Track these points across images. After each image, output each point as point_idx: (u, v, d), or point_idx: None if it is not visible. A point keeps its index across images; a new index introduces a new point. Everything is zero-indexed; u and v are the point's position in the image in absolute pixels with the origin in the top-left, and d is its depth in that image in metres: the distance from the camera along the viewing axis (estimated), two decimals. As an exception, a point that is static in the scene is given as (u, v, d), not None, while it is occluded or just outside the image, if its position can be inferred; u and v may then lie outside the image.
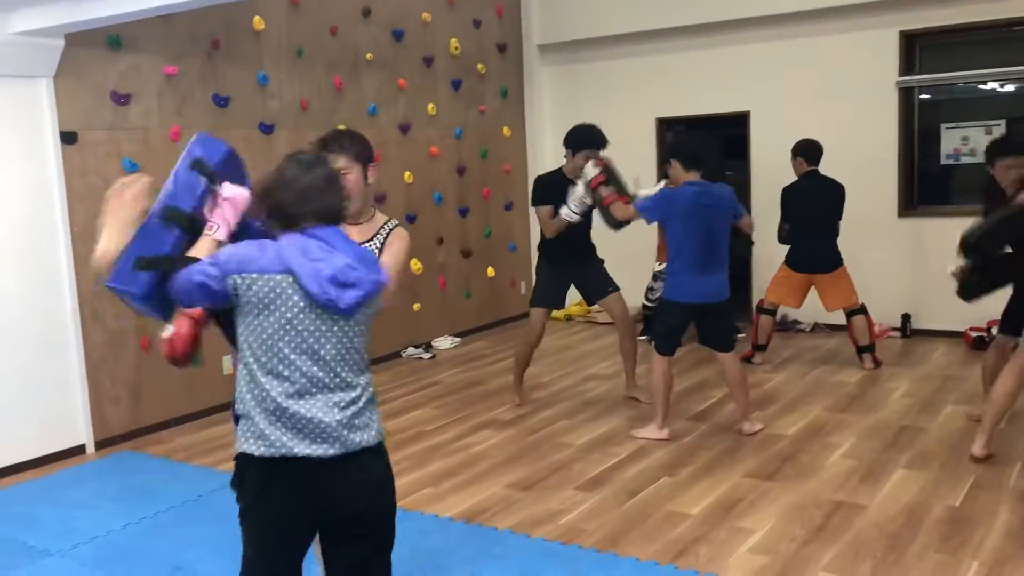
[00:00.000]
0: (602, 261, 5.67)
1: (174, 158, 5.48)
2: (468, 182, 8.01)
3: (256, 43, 6.10)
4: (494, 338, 7.84)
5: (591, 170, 5.14)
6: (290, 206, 2.24)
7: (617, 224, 5.14)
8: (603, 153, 5.30)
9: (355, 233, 2.91)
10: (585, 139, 5.37)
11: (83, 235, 5.10)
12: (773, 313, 6.63)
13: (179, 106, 5.62)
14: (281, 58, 6.26)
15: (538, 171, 8.75)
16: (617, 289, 5.61)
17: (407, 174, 7.33)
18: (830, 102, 7.23)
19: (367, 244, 3.01)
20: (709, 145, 4.97)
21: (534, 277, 8.81)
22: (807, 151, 6.31)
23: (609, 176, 5.10)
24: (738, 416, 4.98)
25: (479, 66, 8.09)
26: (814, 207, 6.26)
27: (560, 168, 5.53)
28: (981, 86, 7.16)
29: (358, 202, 2.91)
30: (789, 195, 6.38)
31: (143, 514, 4.18)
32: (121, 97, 5.29)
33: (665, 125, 8.25)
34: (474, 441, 5.09)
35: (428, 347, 7.47)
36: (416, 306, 7.47)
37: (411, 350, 7.33)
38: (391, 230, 3.02)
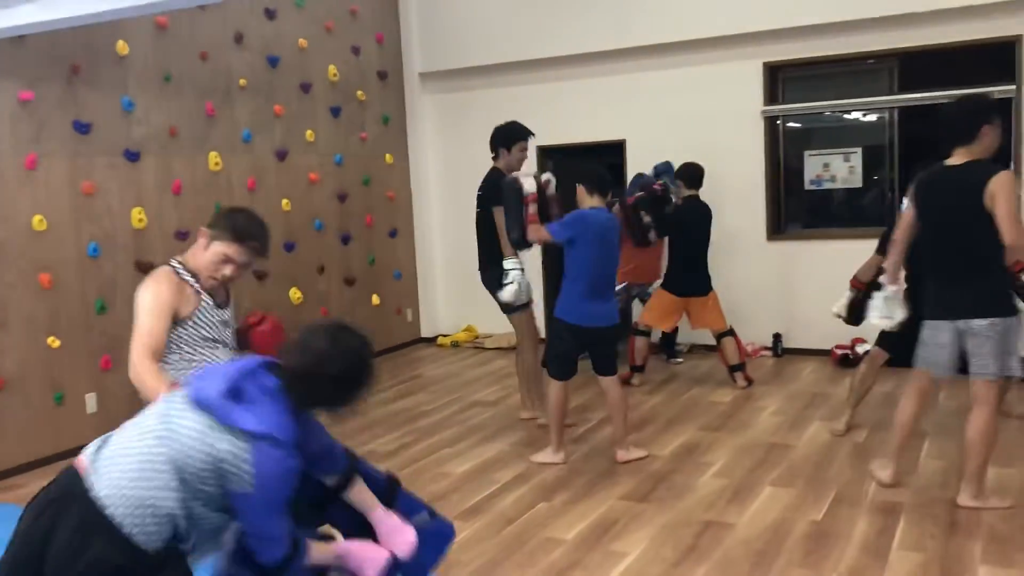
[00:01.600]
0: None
1: (29, 187, 5.29)
2: (350, 209, 7.92)
3: (120, 67, 5.88)
4: (381, 367, 7.71)
5: (528, 182, 5.14)
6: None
7: (524, 244, 5.17)
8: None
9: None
10: (516, 133, 5.63)
11: (-74, 269, 4.80)
12: (648, 335, 6.78)
13: (36, 133, 5.36)
14: (148, 83, 6.06)
15: (423, 198, 8.80)
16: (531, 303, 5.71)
17: (284, 201, 7.19)
18: (701, 129, 7.47)
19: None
20: (606, 172, 5.06)
21: (420, 304, 8.83)
22: (686, 175, 6.50)
23: (540, 198, 5.13)
24: (616, 440, 5.04)
25: (359, 93, 8.04)
26: (692, 232, 6.45)
27: (494, 168, 5.64)
28: (843, 115, 7.55)
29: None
30: (672, 217, 6.56)
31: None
32: (-31, 123, 5.01)
33: (546, 153, 8.36)
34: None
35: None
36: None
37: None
38: None
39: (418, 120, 8.75)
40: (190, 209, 6.35)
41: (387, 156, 8.43)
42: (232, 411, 2.16)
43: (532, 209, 5.07)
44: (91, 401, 5.66)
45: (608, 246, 4.82)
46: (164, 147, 6.17)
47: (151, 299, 2.94)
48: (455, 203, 8.67)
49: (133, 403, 5.65)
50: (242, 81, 6.78)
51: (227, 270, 3.08)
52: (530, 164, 8.31)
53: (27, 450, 5.29)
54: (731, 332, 6.55)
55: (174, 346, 3.00)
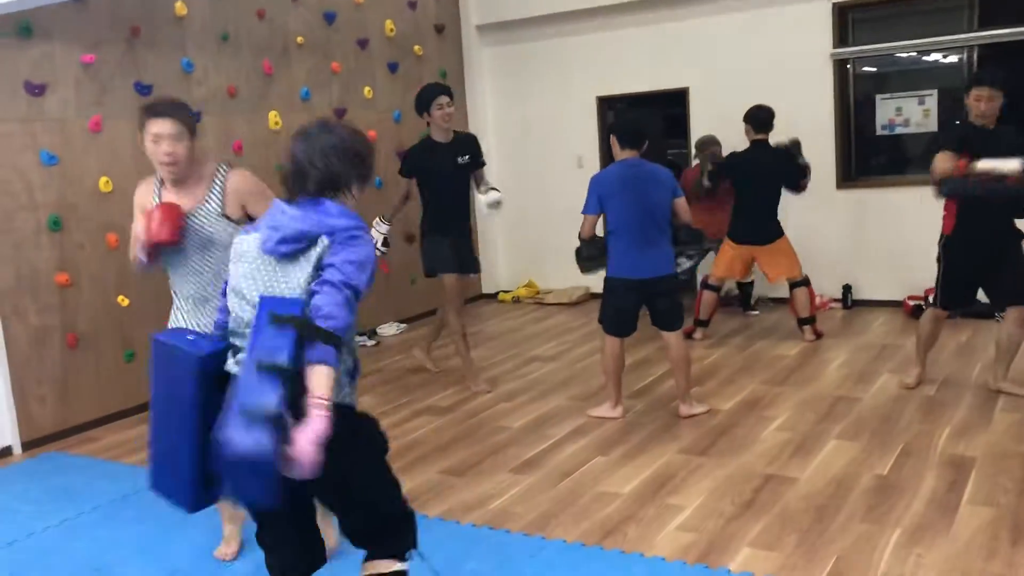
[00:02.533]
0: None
1: (94, 149, 5.40)
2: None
3: (179, 28, 5.94)
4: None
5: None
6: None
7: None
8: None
9: (182, 198, 3.07)
10: (428, 93, 5.46)
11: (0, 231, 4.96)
12: (718, 290, 6.63)
13: (98, 95, 5.46)
14: (206, 43, 6.11)
15: (485, 152, 8.70)
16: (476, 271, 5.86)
17: (344, 159, 7.20)
18: (767, 76, 7.22)
19: (202, 205, 3.06)
20: (646, 124, 4.93)
21: (481, 260, 8.82)
22: (753, 118, 6.25)
23: None
24: (678, 396, 4.97)
25: (416, 48, 7.98)
26: (758, 178, 6.22)
27: (428, 136, 5.62)
28: (919, 57, 7.20)
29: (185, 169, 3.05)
30: (734, 162, 6.35)
31: (65, 515, 4.08)
32: (35, 87, 5.12)
33: (606, 104, 8.21)
34: (411, 428, 5.03)
35: (372, 334, 7.39)
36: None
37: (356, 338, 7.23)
38: (226, 176, 3.12)
39: (476, 74, 8.66)
40: (250, 169, 6.38)
41: (446, 110, 8.36)
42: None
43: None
44: (160, 357, 5.81)
45: (641, 195, 4.64)
46: (223, 107, 6.24)
47: None
48: (514, 157, 8.60)
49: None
50: (299, 39, 6.79)
51: (161, 149, 3.05)
52: (590, 114, 8.20)
53: (101, 405, 5.47)
54: (805, 281, 6.36)
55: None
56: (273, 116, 6.57)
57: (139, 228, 3.06)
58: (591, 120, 8.21)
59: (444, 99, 5.41)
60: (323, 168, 2.30)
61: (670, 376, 5.61)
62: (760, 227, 6.29)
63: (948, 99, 6.87)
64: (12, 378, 5.03)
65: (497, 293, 8.81)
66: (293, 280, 2.25)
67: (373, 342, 7.22)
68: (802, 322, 6.38)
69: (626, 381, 5.57)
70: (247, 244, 2.37)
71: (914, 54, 7.15)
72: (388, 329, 7.54)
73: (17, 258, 5.06)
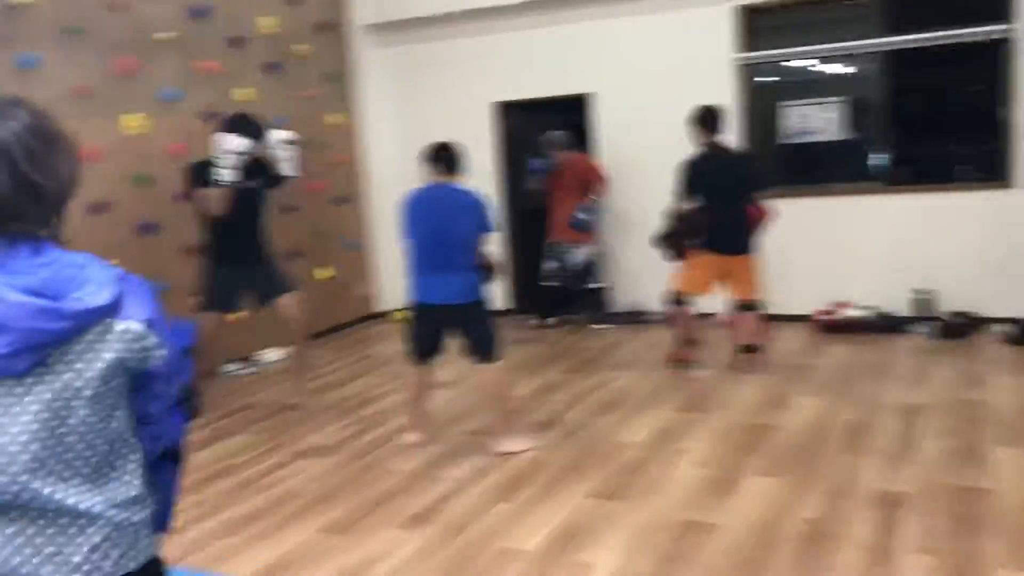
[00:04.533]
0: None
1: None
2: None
3: (15, 19, 5.19)
4: (331, 346, 7.16)
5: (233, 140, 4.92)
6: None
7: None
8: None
9: None
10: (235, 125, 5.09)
11: None
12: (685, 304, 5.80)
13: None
14: (52, 37, 5.37)
15: (375, 160, 8.18)
16: (290, 290, 5.40)
17: (218, 168, 6.53)
18: (671, 80, 6.91)
19: None
20: (448, 147, 4.59)
21: (372, 277, 8.26)
22: (699, 119, 5.59)
23: None
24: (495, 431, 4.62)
25: (297, 47, 7.36)
26: (722, 182, 5.53)
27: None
28: (822, 67, 7.01)
29: None
30: (697, 170, 5.55)
31: None
32: None
33: (504, 109, 7.76)
34: (289, 473, 4.43)
35: (250, 361, 6.72)
36: (234, 316, 6.69)
37: (230, 366, 6.56)
38: None
39: (366, 76, 8.09)
40: (107, 178, 5.70)
41: (331, 116, 7.78)
42: None
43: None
44: None
45: (431, 219, 4.38)
46: (73, 109, 5.49)
47: None
48: (406, 167, 8.05)
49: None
50: (162, 35, 6.10)
51: None
52: (485, 121, 7.74)
53: None
54: (758, 306, 5.66)
55: None
56: (133, 120, 5.86)
57: None
58: (486, 126, 7.75)
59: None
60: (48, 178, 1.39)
61: (579, 403, 5.21)
62: (731, 236, 5.57)
63: (857, 108, 6.70)
64: None
65: (390, 312, 8.25)
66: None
67: (251, 371, 6.55)
68: (744, 349, 5.78)
69: (531, 409, 5.14)
70: None
71: (820, 62, 6.96)
72: (270, 355, 6.87)
73: None
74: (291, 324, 5.44)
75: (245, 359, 6.67)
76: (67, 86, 5.46)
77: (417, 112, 7.97)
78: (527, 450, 4.49)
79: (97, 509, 1.39)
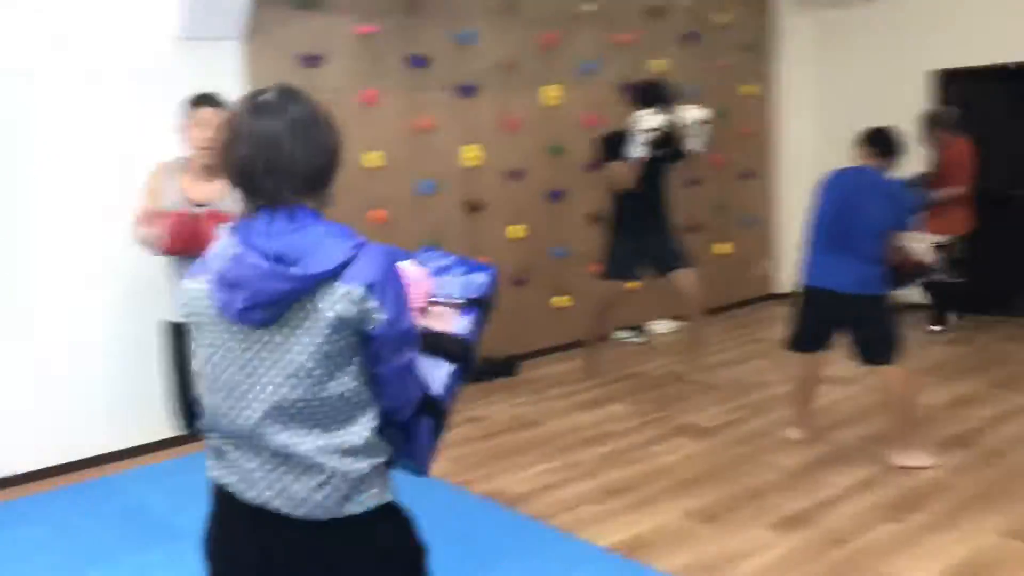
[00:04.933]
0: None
1: (366, 122, 5.30)
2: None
3: (459, -1, 5.69)
4: (722, 324, 6.97)
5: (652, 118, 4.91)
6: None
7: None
8: None
9: (210, 183, 3.29)
10: (653, 95, 5.13)
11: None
12: None
13: (373, 68, 5.35)
14: (486, 14, 5.81)
15: (788, 134, 7.76)
16: (686, 266, 5.33)
17: (628, 139, 6.63)
18: None
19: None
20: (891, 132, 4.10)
21: (777, 255, 7.90)
22: None
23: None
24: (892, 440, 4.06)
25: (717, 16, 7.17)
26: None
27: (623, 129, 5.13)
28: None
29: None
30: None
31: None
32: (311, 59, 5.09)
33: (946, 78, 6.85)
34: (664, 450, 4.38)
35: (641, 331, 6.78)
36: (632, 284, 6.79)
37: (622, 333, 6.69)
38: None
39: (786, 45, 7.65)
40: (524, 147, 6.07)
41: (744, 87, 7.50)
42: None
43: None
44: (418, 339, 5.66)
45: (843, 200, 4.03)
46: (501, 82, 5.92)
47: None
48: (828, 139, 7.50)
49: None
50: (585, 7, 6.30)
51: (206, 135, 3.27)
52: (918, 93, 6.92)
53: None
54: None
55: None
56: (551, 91, 6.15)
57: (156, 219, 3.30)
58: (919, 99, 6.91)
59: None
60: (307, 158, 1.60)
61: (1004, 423, 4.49)
62: None
63: None
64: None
65: (787, 295, 7.79)
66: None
67: (641, 340, 6.62)
68: None
69: (940, 422, 4.53)
70: (198, 300, 1.64)
71: None
72: (659, 326, 6.89)
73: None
74: (686, 299, 5.41)
75: (636, 328, 6.75)
76: (496, 60, 5.87)
77: (839, 83, 7.37)
78: (928, 467, 3.96)
79: (321, 457, 1.57)
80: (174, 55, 4.56)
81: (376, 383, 1.62)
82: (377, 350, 1.58)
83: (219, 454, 1.67)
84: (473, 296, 1.98)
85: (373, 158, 5.34)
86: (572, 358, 6.18)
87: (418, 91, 5.53)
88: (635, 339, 6.63)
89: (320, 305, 1.53)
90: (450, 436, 4.48)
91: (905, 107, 6.90)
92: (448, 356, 1.84)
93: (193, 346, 1.68)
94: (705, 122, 5.17)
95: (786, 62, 7.68)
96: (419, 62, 5.50)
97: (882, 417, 4.42)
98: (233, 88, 4.79)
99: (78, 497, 4.08)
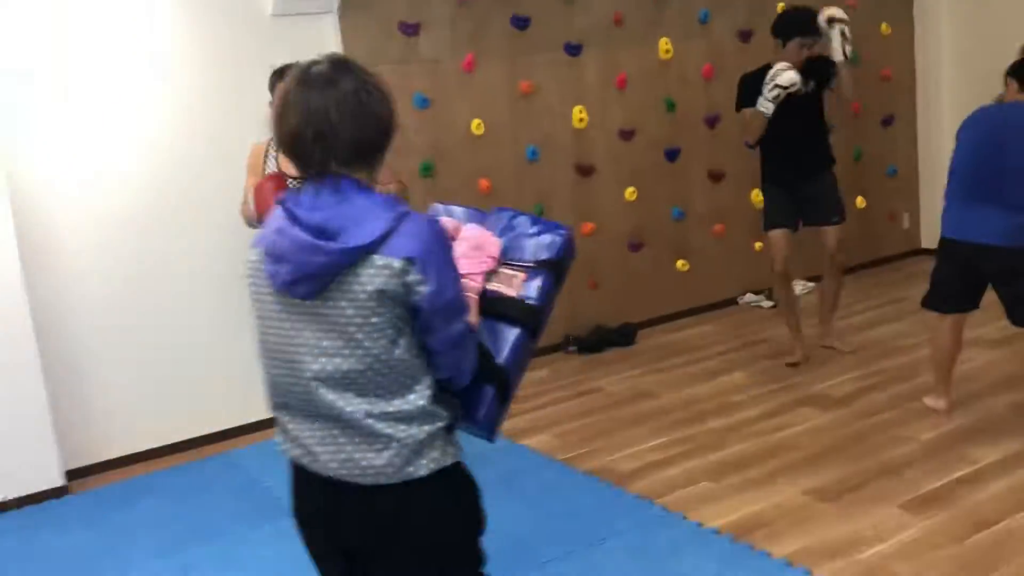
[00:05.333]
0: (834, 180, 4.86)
1: (467, 90, 5.18)
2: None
3: (565, -48, 5.45)
4: (860, 283, 6.46)
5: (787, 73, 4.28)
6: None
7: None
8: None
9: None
10: (795, 24, 4.57)
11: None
12: None
13: (473, 33, 5.19)
14: (591, -32, 5.55)
15: (929, 77, 7.10)
16: (842, 220, 4.82)
17: (748, 90, 6.22)
18: None
19: None
20: None
21: (921, 208, 7.29)
22: None
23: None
24: None
25: (847, -49, 6.60)
26: None
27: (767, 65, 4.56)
28: None
29: None
30: None
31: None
32: (410, 27, 4.99)
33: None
34: (786, 422, 4.08)
35: (771, 294, 6.38)
36: (759, 244, 6.41)
37: (750, 296, 6.33)
38: None
39: (928, -19, 6.97)
40: (635, 105, 5.78)
41: (883, 26, 6.88)
42: None
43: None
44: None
45: (991, 142, 3.54)
46: (607, 38, 5.64)
47: None
48: (974, 83, 6.80)
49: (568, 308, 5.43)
50: (698, -48, 5.92)
51: None
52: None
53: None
54: None
55: None
56: (664, 44, 5.82)
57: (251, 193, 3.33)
58: None
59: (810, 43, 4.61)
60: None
61: None
62: None
63: None
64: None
65: (934, 250, 7.17)
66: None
67: (770, 304, 6.23)
68: None
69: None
70: (255, 271, 1.69)
71: None
72: (794, 287, 6.45)
73: (390, 204, 5.03)
74: (831, 257, 4.89)
75: (767, 291, 6.36)
76: (602, 15, 5.60)
77: (987, 21, 6.64)
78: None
79: (379, 425, 1.59)
80: (270, 33, 4.55)
81: (429, 353, 1.62)
82: (426, 322, 1.58)
83: (284, 427, 1.70)
84: (544, 258, 1.93)
85: (475, 125, 5.20)
86: (693, 324, 5.91)
87: (520, 54, 5.34)
88: (764, 303, 6.25)
89: (362, 278, 1.53)
90: (559, 410, 4.43)
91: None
92: (514, 322, 1.85)
93: (254, 317, 1.70)
94: (840, 20, 4.63)
95: (925, 7, 7.00)
96: (521, 23, 5.31)
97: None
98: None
99: (198, 472, 4.20)
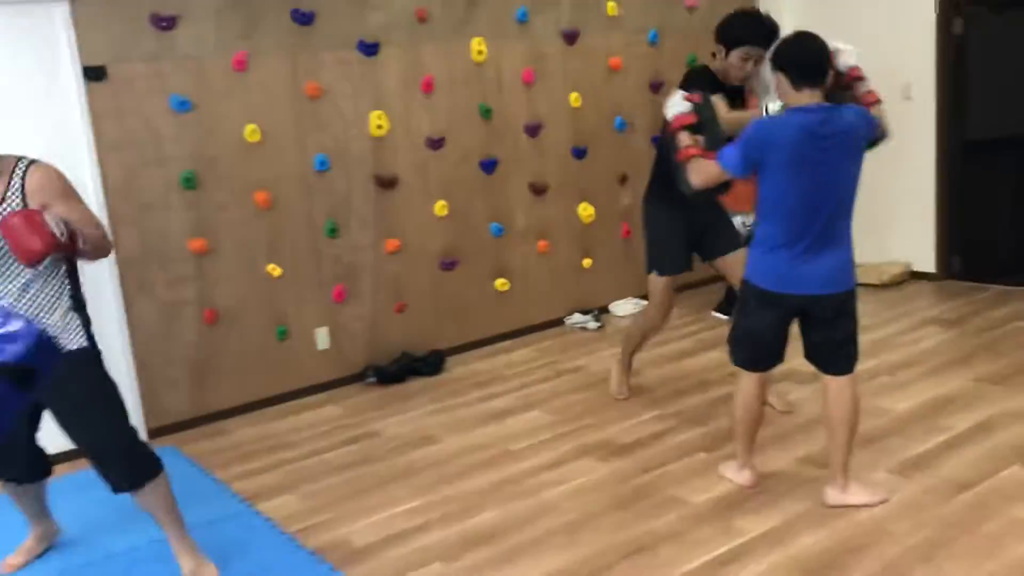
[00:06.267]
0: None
1: (239, 92, 4.57)
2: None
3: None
4: (693, 301, 6.08)
5: (679, 104, 3.29)
6: None
7: (691, 188, 3.19)
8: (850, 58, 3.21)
9: None
10: (745, 30, 3.68)
11: (119, 191, 4.31)
12: None
13: (244, 28, 4.59)
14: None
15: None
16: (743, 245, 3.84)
17: (574, 96, 5.78)
18: None
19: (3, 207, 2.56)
20: (824, 49, 3.01)
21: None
22: None
23: (703, 116, 3.26)
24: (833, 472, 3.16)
25: (684, -52, 6.23)
26: None
27: (704, 66, 3.91)
28: None
29: None
30: None
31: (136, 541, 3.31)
32: (164, 20, 4.35)
33: (953, 9, 5.83)
34: (560, 477, 3.61)
35: (600, 314, 5.97)
36: (587, 261, 6.00)
37: (577, 317, 5.90)
38: (25, 171, 2.62)
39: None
40: (444, 111, 5.27)
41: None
42: None
43: (685, 141, 3.19)
44: (321, 337, 4.97)
45: (817, 166, 2.89)
46: (411, 36, 5.11)
47: None
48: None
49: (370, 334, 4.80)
50: (515, -56, 5.44)
51: None
52: (927, 28, 5.92)
53: (243, 391, 4.76)
54: None
55: None
56: (477, 44, 5.33)
57: None
58: (928, 35, 5.90)
59: (759, 53, 3.63)
60: None
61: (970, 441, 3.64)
62: None
63: None
64: (137, 359, 4.45)
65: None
66: None
67: (597, 325, 5.81)
68: None
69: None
70: None
71: None
72: (623, 307, 6.07)
73: (143, 221, 4.41)
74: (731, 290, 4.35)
75: (595, 311, 5.93)
76: (402, 10, 5.06)
77: (839, 17, 6.35)
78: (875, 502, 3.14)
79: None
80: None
81: None
82: None
83: None
84: None
85: (249, 131, 4.61)
86: (510, 349, 5.47)
87: (304, 52, 4.76)
88: (590, 324, 5.83)
89: None
90: (317, 464, 3.89)
91: (907, 46, 5.96)
92: None
93: None
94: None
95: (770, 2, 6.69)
96: (304, 17, 4.73)
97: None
98: (62, 59, 4.12)
99: None
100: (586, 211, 5.93)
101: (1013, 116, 6.02)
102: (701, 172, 3.12)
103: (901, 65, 5.90)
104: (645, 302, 6.05)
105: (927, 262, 6.12)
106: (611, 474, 3.60)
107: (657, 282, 4.11)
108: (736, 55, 3.70)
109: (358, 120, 4.97)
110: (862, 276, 6.08)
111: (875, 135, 3.02)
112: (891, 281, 6.04)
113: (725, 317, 5.57)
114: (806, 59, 2.97)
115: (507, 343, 5.56)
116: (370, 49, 4.96)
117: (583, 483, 3.55)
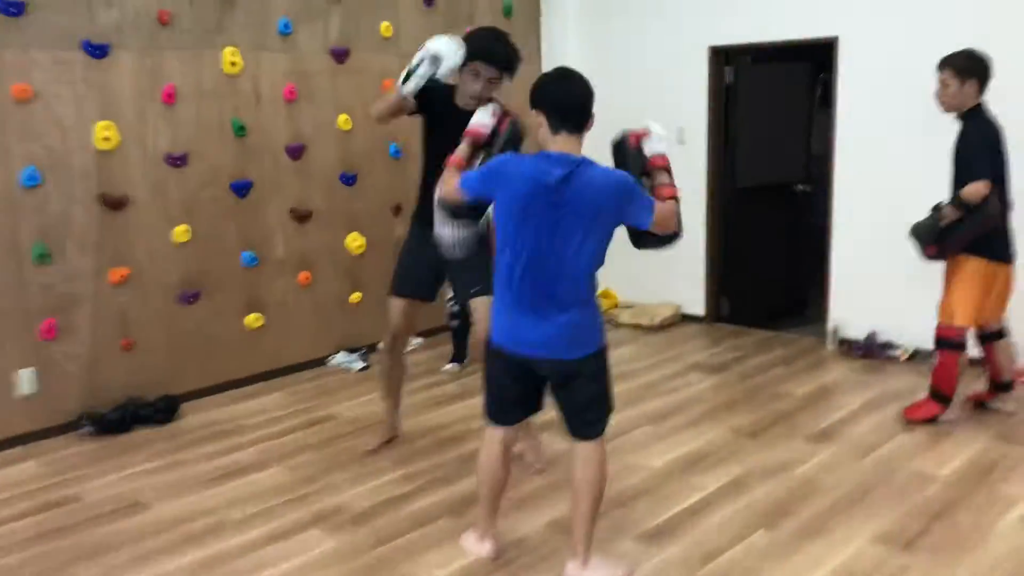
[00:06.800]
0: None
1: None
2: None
3: (76, -76, 4.25)
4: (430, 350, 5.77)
5: (484, 117, 3.08)
6: None
7: (448, 206, 3.03)
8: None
9: None
10: (476, 44, 3.42)
11: None
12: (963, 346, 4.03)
13: (-70, 13, 3.86)
14: (123, -53, 4.41)
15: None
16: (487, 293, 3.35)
17: (343, 117, 5.37)
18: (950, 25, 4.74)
19: None
20: (589, 93, 2.80)
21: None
22: (962, 65, 3.83)
23: (496, 141, 3.02)
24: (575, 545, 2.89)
25: (466, -27, 5.99)
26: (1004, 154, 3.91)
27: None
28: None
29: None
30: (993, 139, 3.86)
31: None
32: None
33: (724, 57, 5.91)
34: (276, 556, 3.13)
35: (368, 353, 5.54)
36: (355, 296, 5.57)
37: (341, 357, 5.45)
38: None
39: (554, 13, 6.55)
40: (188, 125, 4.70)
41: (507, 60, 6.34)
42: None
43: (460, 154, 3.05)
44: (25, 380, 4.24)
45: (544, 221, 2.63)
46: (150, 39, 4.52)
47: None
48: (599, 125, 6.44)
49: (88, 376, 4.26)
50: (277, -51, 4.97)
51: None
52: (698, 71, 5.97)
53: None
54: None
55: None
56: (230, 54, 4.81)
57: None
58: (699, 78, 5.94)
59: (489, 70, 3.40)
60: None
61: (721, 504, 3.49)
62: (1011, 237, 4.00)
63: None
64: None
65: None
66: None
67: (361, 366, 5.38)
68: (1000, 387, 4.27)
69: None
70: None
71: None
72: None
73: None
74: (477, 337, 3.77)
75: (363, 350, 5.51)
76: (147, 11, 4.47)
77: (616, 59, 6.30)
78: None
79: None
80: None
81: None
82: None
83: None
84: None
85: (-67, 137, 3.88)
86: (260, 393, 4.94)
87: (10, 47, 4.07)
88: (355, 364, 5.40)
89: None
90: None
91: (683, 86, 5.98)
92: None
93: None
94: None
95: (551, 33, 6.58)
96: (12, 8, 4.04)
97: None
98: None
99: None
100: (355, 241, 5.51)
101: (780, 165, 6.18)
102: (446, 184, 2.95)
103: (676, 109, 5.92)
104: (423, 340, 5.78)
105: (697, 305, 6.15)
106: (340, 549, 3.18)
107: (389, 303, 3.82)
108: (466, 71, 3.42)
109: (80, 130, 4.32)
110: (633, 317, 6.11)
111: (641, 221, 2.67)
112: (662, 323, 6.02)
113: (450, 366, 5.33)
114: (568, 101, 2.71)
115: (256, 387, 5.03)
116: (98, 51, 4.33)
117: (306, 561, 3.10)
